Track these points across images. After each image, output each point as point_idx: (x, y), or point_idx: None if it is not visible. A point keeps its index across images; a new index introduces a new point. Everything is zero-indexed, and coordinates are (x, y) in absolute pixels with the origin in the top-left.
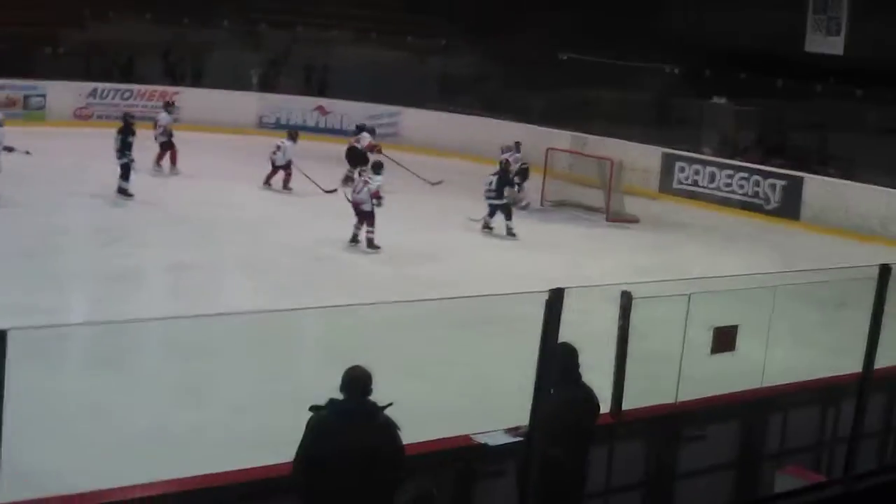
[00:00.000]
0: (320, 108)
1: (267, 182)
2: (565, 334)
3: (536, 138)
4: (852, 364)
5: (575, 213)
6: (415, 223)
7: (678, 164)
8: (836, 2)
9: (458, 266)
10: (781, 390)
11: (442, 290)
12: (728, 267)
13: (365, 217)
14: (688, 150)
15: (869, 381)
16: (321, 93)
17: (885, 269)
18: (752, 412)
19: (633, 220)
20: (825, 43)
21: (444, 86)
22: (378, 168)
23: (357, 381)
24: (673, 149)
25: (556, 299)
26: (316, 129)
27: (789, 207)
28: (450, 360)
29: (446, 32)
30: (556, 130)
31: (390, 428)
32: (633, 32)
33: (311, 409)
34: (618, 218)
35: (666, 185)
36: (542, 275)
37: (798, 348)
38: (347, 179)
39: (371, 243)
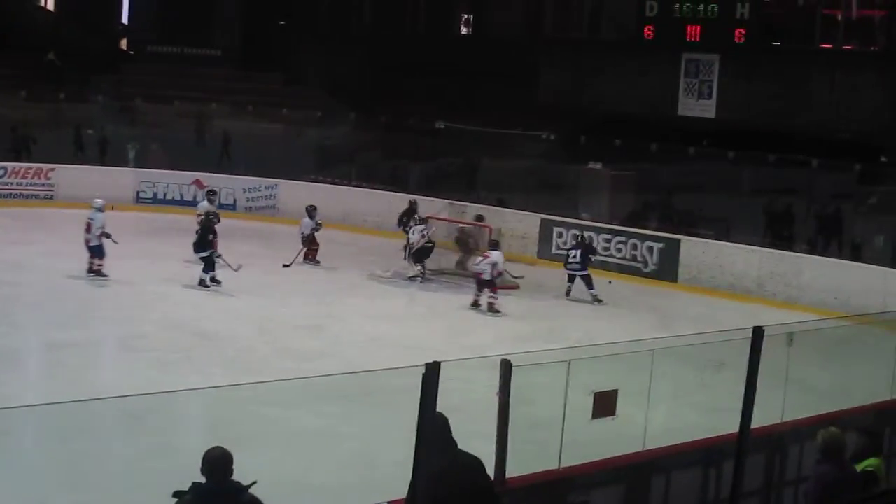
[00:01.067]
0: (197, 182)
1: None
2: (449, 403)
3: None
4: (731, 424)
5: (455, 282)
6: (296, 295)
7: (556, 230)
8: (707, 66)
9: (338, 338)
10: (663, 453)
11: (323, 363)
12: (608, 331)
13: (485, 285)
14: (565, 216)
15: (746, 441)
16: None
17: (757, 332)
18: (634, 475)
19: (513, 287)
20: (697, 106)
21: (321, 157)
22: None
23: (218, 462)
24: (551, 214)
25: (432, 373)
26: (193, 204)
27: (667, 270)
28: (333, 434)
29: (322, 104)
30: (434, 199)
31: (255, 499)
32: (510, 101)
33: (175, 495)
34: (498, 285)
35: (545, 251)
36: (423, 345)
37: (678, 410)
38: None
39: (492, 307)
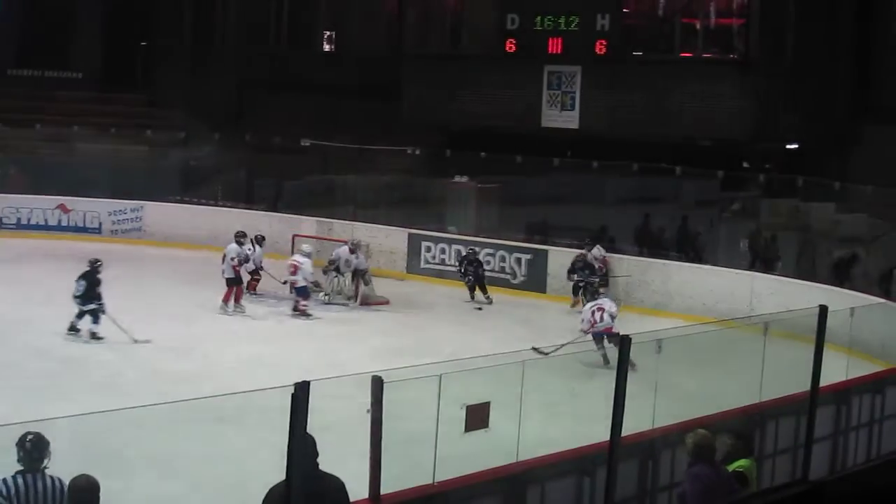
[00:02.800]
0: (62, 207)
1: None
2: (322, 422)
3: (282, 225)
4: (604, 432)
5: (326, 299)
6: (164, 317)
7: (424, 244)
8: (569, 78)
9: (208, 360)
10: (537, 463)
11: (195, 385)
12: (479, 344)
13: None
14: (433, 230)
15: (618, 449)
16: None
17: (625, 340)
18: (510, 487)
19: (383, 303)
20: (561, 118)
21: (186, 178)
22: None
23: (83, 492)
24: (418, 229)
25: (301, 393)
26: (58, 228)
27: (535, 280)
28: (207, 458)
29: (186, 125)
30: (301, 217)
31: None
32: (375, 116)
33: None
34: (368, 301)
35: (413, 266)
36: (296, 363)
37: (551, 420)
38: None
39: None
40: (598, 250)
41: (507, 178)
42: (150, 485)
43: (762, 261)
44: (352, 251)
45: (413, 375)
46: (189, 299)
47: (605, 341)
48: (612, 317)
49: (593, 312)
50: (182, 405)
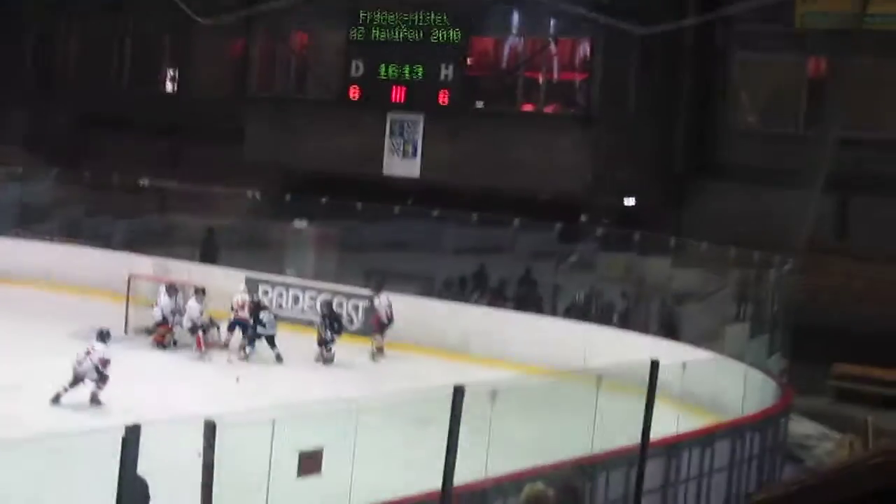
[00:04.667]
0: None
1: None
2: (152, 465)
3: (118, 264)
4: (437, 480)
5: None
6: None
7: (262, 288)
8: (412, 126)
9: (36, 400)
10: None
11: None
12: (315, 389)
13: None
14: (271, 274)
15: (450, 498)
16: None
17: (458, 390)
18: None
19: (220, 346)
20: (402, 165)
21: (22, 213)
22: None
23: None
24: (257, 272)
25: (132, 435)
26: None
27: (372, 327)
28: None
29: (23, 159)
30: (138, 256)
31: None
32: (216, 158)
33: None
34: (206, 343)
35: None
36: (127, 406)
37: (384, 467)
38: None
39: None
40: (385, 297)
41: (347, 223)
42: None
43: (599, 313)
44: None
45: (246, 420)
46: (20, 337)
47: None
48: None
49: None
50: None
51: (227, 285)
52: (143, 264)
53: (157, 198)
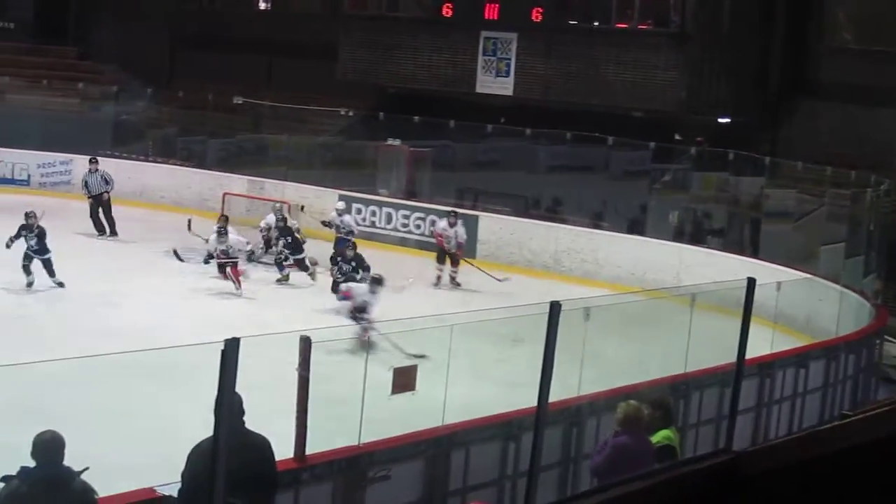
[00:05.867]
0: None
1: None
2: (248, 380)
3: (213, 183)
4: (529, 398)
5: (254, 259)
6: (90, 272)
7: (355, 206)
8: (505, 44)
9: (134, 315)
10: (462, 427)
11: (120, 340)
12: (407, 307)
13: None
14: (364, 192)
15: (545, 415)
16: None
17: (555, 306)
18: (434, 450)
19: (313, 264)
20: (495, 84)
21: (117, 132)
22: None
23: (48, 446)
24: (350, 191)
25: (231, 349)
26: None
27: (466, 245)
28: (132, 413)
29: (118, 79)
30: (232, 175)
31: (87, 494)
32: (310, 77)
33: (2, 479)
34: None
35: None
36: (222, 321)
37: (477, 385)
38: None
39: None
40: (462, 229)
41: (439, 142)
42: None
43: (693, 233)
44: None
45: (341, 336)
46: (114, 254)
47: None
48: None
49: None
50: (106, 359)
51: (318, 204)
52: (237, 182)
53: (250, 116)
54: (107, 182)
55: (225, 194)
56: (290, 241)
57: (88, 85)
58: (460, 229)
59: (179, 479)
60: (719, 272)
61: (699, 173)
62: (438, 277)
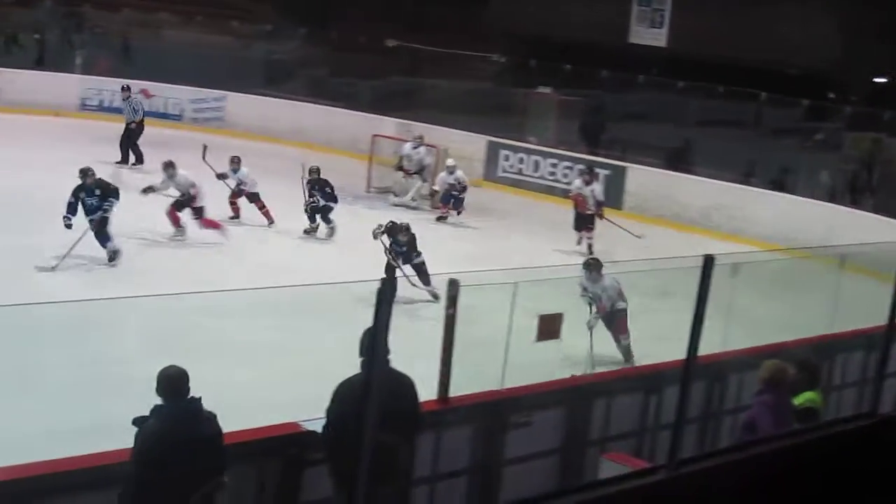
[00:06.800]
0: (144, 92)
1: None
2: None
3: (363, 125)
4: (669, 352)
5: (400, 200)
6: (248, 210)
7: (503, 153)
8: None
9: (285, 252)
10: (605, 377)
11: (271, 277)
12: (552, 256)
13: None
14: (513, 139)
15: (693, 368)
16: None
17: (708, 260)
18: (576, 398)
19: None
20: (648, 35)
21: (269, 71)
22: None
23: (175, 381)
24: (498, 137)
25: (387, 288)
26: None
27: (612, 197)
28: (280, 349)
29: (272, 18)
30: (382, 117)
31: (214, 420)
32: (461, 21)
33: (135, 422)
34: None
35: (491, 174)
36: (370, 262)
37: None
38: None
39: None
40: (598, 187)
41: (590, 91)
42: (222, 372)
43: (847, 193)
44: (415, 147)
45: (488, 280)
46: (268, 192)
47: None
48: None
49: None
50: (258, 294)
51: (466, 149)
52: (387, 125)
53: (402, 59)
54: (136, 111)
55: (374, 136)
56: (328, 192)
57: (243, 23)
58: (597, 187)
59: (324, 415)
60: (870, 234)
61: (852, 133)
62: (579, 243)
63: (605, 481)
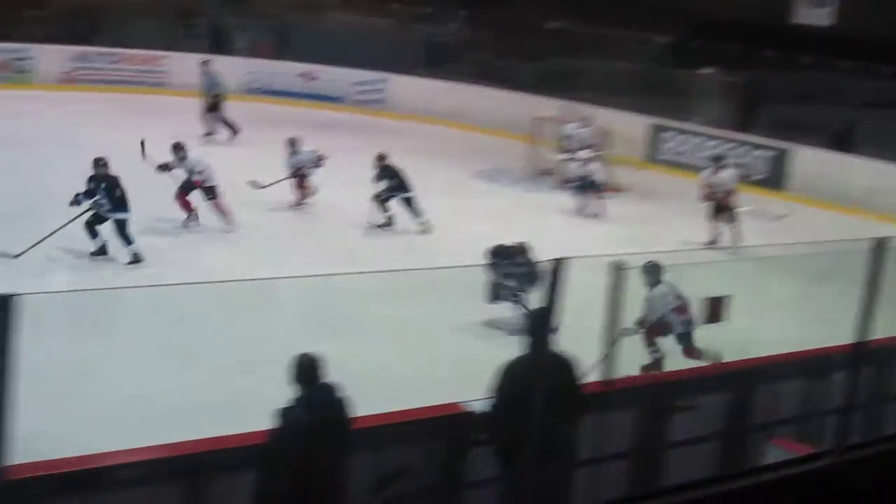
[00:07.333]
0: (306, 74)
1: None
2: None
3: (523, 106)
4: (834, 336)
5: (561, 182)
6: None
7: (664, 135)
8: None
9: (443, 235)
10: (770, 361)
11: (427, 258)
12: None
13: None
14: (674, 120)
15: (863, 353)
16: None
17: (881, 243)
18: (741, 382)
19: (619, 190)
20: (813, 14)
21: (429, 53)
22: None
23: (311, 368)
24: (659, 118)
25: (559, 267)
26: (301, 95)
27: (775, 178)
28: (434, 328)
29: (432, 0)
30: (543, 98)
31: (347, 402)
32: (622, 3)
33: (278, 411)
34: (604, 187)
35: (652, 155)
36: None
37: (784, 320)
38: None
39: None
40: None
41: (753, 71)
42: (376, 352)
43: None
44: (578, 128)
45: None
46: (429, 173)
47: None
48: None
49: None
50: (413, 275)
51: (627, 131)
52: (548, 107)
53: (562, 41)
54: (216, 84)
55: (535, 118)
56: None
57: (403, 5)
58: (727, 173)
59: (490, 395)
60: None
61: None
62: (716, 234)
63: (770, 466)
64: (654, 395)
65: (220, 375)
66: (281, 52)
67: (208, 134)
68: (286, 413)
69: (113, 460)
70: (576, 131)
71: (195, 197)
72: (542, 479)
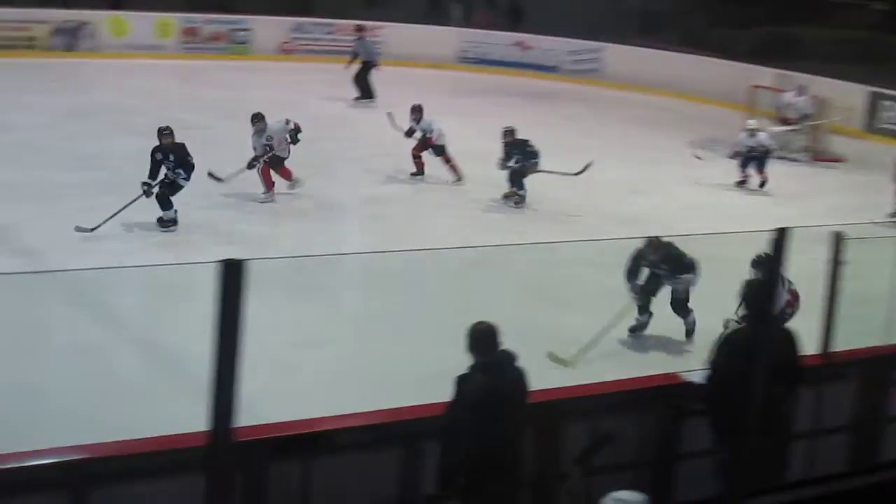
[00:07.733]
0: (521, 44)
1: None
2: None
3: (739, 75)
4: None
5: (778, 152)
6: (617, 160)
7: (884, 104)
8: None
9: (657, 204)
10: None
11: (642, 227)
12: None
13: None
14: (893, 89)
15: None
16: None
17: None
18: None
19: (837, 160)
20: None
21: (644, 22)
22: None
23: (487, 336)
24: (879, 87)
25: (781, 239)
26: (516, 65)
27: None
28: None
29: None
30: (759, 67)
31: (524, 374)
32: None
33: (457, 379)
34: (822, 157)
35: (871, 125)
36: (741, 214)
37: None
38: None
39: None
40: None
41: None
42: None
43: None
44: (797, 97)
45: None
46: (643, 142)
47: None
48: None
49: None
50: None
51: (845, 100)
52: (764, 75)
53: (778, 8)
54: (371, 52)
55: (753, 86)
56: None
57: None
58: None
59: (707, 366)
60: None
61: None
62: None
63: None
64: (873, 367)
65: (438, 343)
66: (495, 22)
67: (363, 97)
68: (464, 380)
69: (333, 424)
70: (793, 100)
71: (427, 156)
72: (758, 452)
